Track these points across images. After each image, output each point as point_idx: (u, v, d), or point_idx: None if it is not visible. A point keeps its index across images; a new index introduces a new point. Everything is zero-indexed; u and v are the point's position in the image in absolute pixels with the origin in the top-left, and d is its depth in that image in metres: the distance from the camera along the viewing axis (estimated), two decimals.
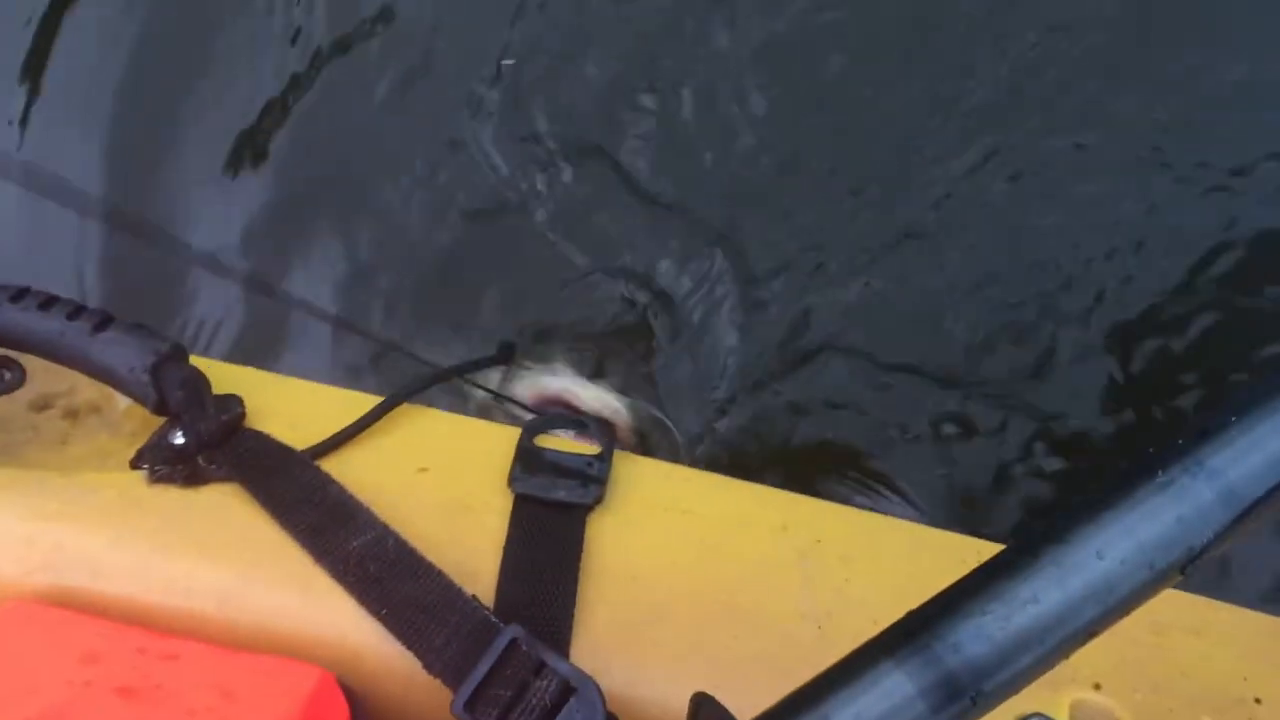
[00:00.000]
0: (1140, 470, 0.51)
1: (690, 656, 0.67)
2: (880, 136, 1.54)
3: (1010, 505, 1.35)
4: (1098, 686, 0.66)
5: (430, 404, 0.84)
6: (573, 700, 0.59)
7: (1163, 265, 1.40)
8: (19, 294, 0.78)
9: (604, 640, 0.67)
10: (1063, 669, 0.48)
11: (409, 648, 0.65)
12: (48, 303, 0.78)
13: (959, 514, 1.34)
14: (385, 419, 0.80)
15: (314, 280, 1.62)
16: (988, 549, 0.76)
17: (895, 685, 0.48)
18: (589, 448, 0.79)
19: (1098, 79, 1.47)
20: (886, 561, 0.74)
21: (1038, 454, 1.36)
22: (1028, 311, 1.43)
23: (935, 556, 0.75)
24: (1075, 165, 1.46)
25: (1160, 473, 0.51)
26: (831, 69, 1.56)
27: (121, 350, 0.76)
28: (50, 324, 0.76)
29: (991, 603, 0.49)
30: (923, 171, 1.50)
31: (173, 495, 0.71)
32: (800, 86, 1.57)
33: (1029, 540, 0.51)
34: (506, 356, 1.15)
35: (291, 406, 0.80)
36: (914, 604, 0.51)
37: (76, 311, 0.77)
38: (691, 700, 0.50)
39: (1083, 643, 0.51)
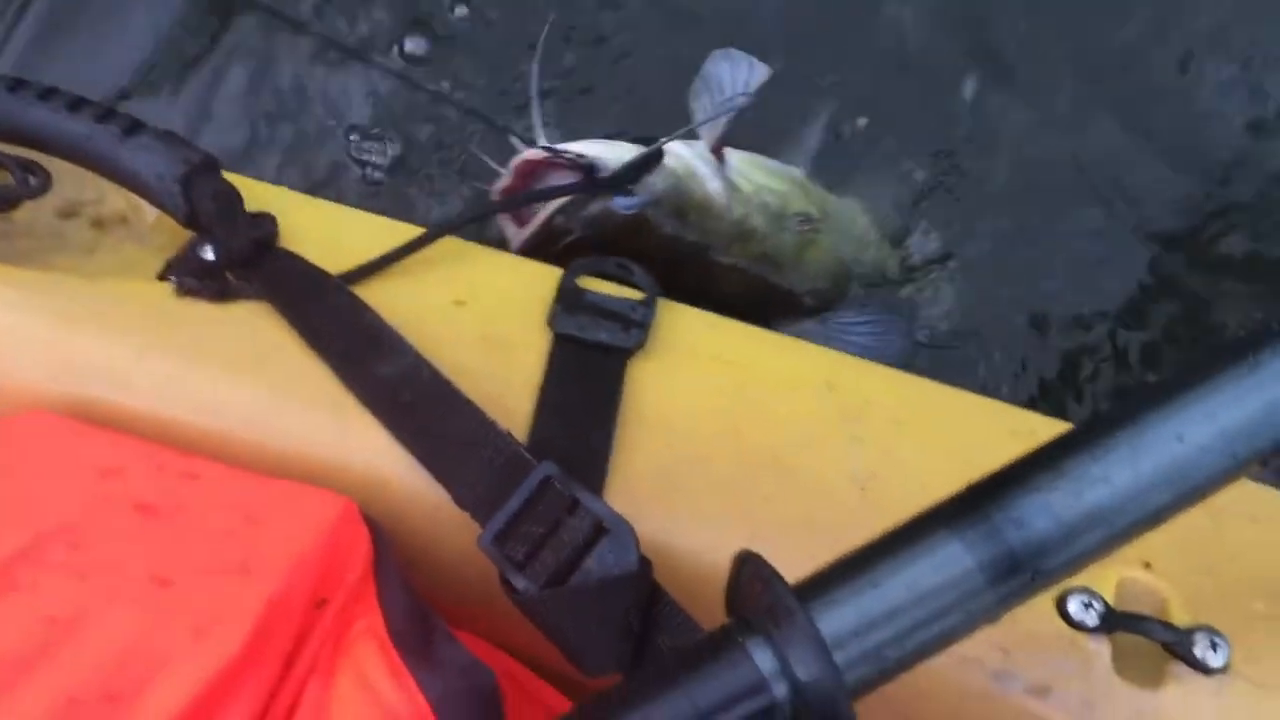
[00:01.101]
0: (1230, 353, 0.48)
1: (727, 510, 0.65)
2: None
3: (1077, 389, 1.32)
4: (1147, 565, 0.64)
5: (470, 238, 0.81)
6: (605, 541, 0.57)
7: None
8: (46, 93, 0.74)
9: (639, 486, 0.64)
10: None
11: (438, 479, 0.63)
12: (76, 104, 0.74)
13: (1020, 392, 1.31)
14: (426, 252, 0.76)
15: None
16: (1045, 425, 0.73)
17: (952, 556, 0.46)
18: (633, 292, 0.76)
19: None
20: (939, 429, 0.71)
21: (1116, 342, 1.33)
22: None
23: (990, 428, 0.72)
24: None
25: (1251, 355, 0.47)
26: None
27: (152, 157, 0.72)
28: (78, 125, 0.73)
29: (1059, 479, 0.47)
30: None
31: (201, 310, 0.69)
32: None
33: (1104, 419, 0.48)
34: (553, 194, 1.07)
35: (325, 230, 0.77)
36: (965, 474, 0.48)
37: (106, 114, 0.73)
38: (736, 557, 0.48)
39: (1150, 528, 0.48)
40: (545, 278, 0.76)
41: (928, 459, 0.69)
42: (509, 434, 0.63)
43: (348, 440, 0.65)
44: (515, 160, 1.02)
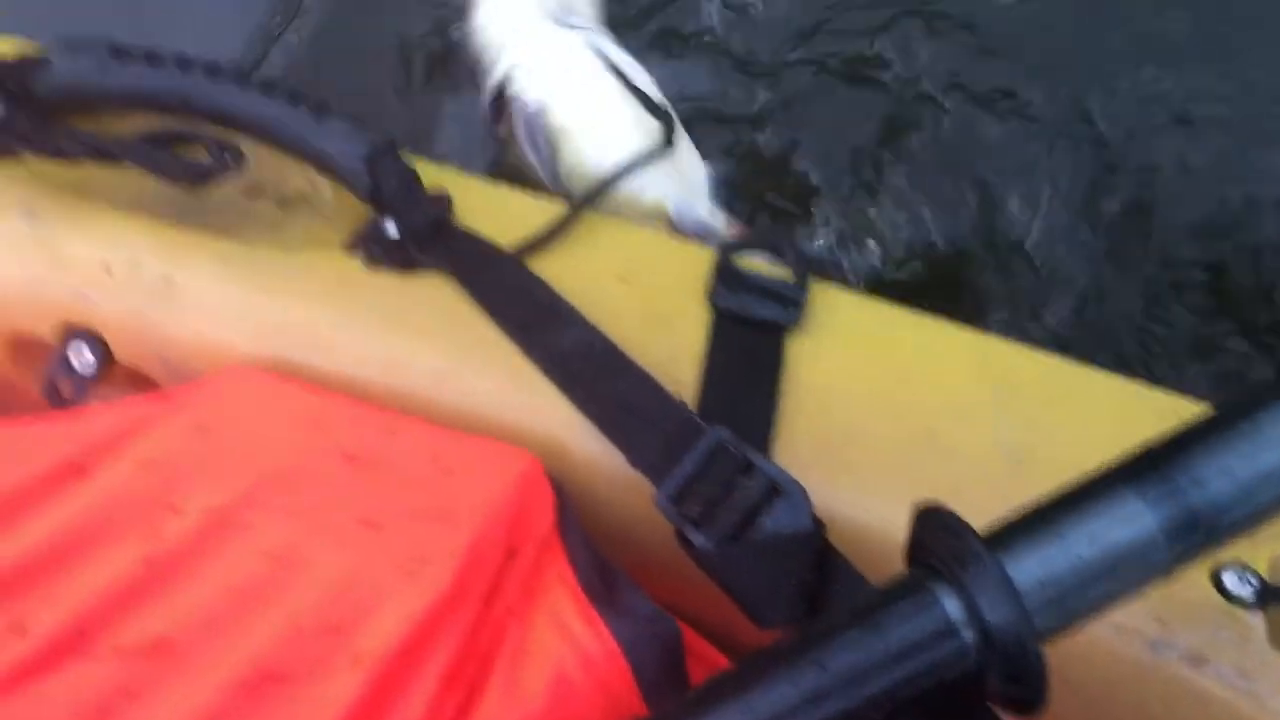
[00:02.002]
0: None
1: (886, 479, 0.68)
2: None
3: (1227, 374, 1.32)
4: None
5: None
6: (778, 501, 0.60)
7: None
8: (242, 77, 0.80)
9: (802, 455, 0.68)
10: None
11: (614, 442, 0.66)
12: (269, 87, 0.79)
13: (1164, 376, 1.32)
14: (581, 230, 0.80)
15: None
16: (1188, 406, 0.74)
17: (1134, 512, 0.48)
18: (785, 272, 0.79)
19: None
20: (1088, 409, 0.73)
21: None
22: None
23: (1136, 408, 0.73)
24: None
25: None
26: None
27: (340, 139, 0.78)
28: (274, 108, 0.78)
29: (1238, 440, 0.49)
30: None
31: (388, 280, 0.74)
32: None
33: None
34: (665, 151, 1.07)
35: (491, 209, 0.81)
36: (1114, 452, 0.50)
37: (297, 97, 0.79)
38: (918, 509, 0.51)
39: None
40: (700, 255, 0.80)
41: (1078, 437, 0.71)
42: (681, 400, 0.66)
43: (526, 404, 0.70)
44: None
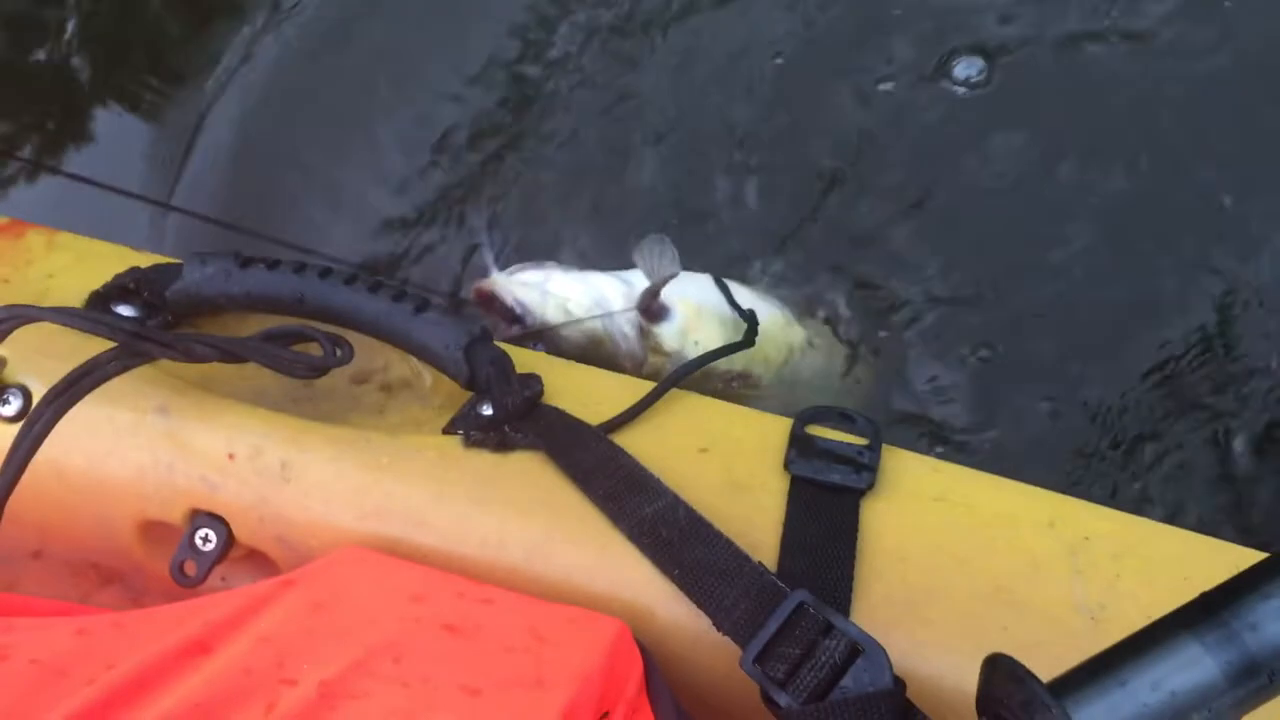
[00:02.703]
0: None
1: (964, 637, 0.70)
2: None
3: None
4: None
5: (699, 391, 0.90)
6: (860, 661, 0.63)
7: None
8: (350, 278, 0.88)
9: (880, 614, 0.70)
10: None
11: (699, 606, 0.70)
12: (375, 286, 0.88)
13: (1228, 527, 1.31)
14: (663, 404, 0.85)
15: None
16: (1249, 556, 0.75)
17: (1193, 657, 0.50)
18: (857, 439, 0.83)
19: None
20: (1157, 562, 0.75)
21: None
22: None
23: (1206, 561, 0.75)
24: None
25: None
26: None
27: (439, 330, 0.85)
28: (379, 304, 0.86)
29: None
30: None
31: (485, 459, 0.79)
32: None
33: None
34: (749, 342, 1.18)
35: (579, 388, 0.87)
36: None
37: (400, 295, 0.87)
38: (987, 660, 0.53)
39: None
40: (775, 425, 0.84)
41: (1150, 591, 0.72)
42: (761, 565, 0.70)
43: (616, 571, 0.74)
44: (474, 286, 1.22)
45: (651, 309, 1.24)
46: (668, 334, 1.24)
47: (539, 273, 1.23)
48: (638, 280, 1.25)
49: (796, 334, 1.35)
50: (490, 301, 1.24)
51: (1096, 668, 0.51)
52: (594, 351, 1.22)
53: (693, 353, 1.22)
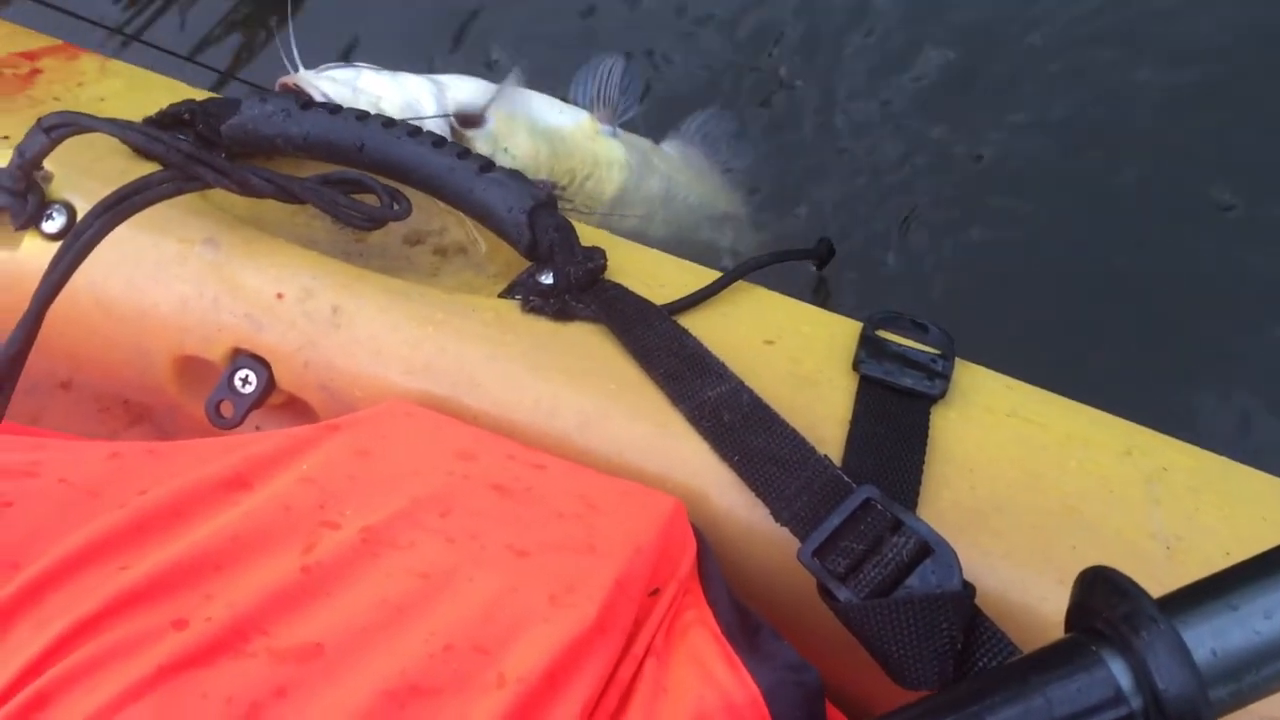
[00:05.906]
0: None
1: (1031, 552, 0.67)
2: None
3: None
4: None
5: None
6: (928, 562, 0.59)
7: None
8: (414, 131, 0.84)
9: (947, 521, 0.67)
10: None
11: (758, 495, 0.67)
12: (440, 142, 0.83)
13: None
14: (729, 295, 0.82)
15: None
16: None
17: None
18: (928, 347, 0.79)
19: None
20: (1237, 500, 0.71)
21: None
22: None
23: None
24: None
25: None
26: None
27: (503, 192, 0.81)
28: (442, 159, 0.82)
29: None
30: None
31: (543, 325, 0.76)
32: None
33: None
34: (826, 252, 1.14)
35: (642, 268, 0.83)
36: (1267, 545, 0.49)
37: (464, 153, 0.83)
38: (1084, 573, 0.50)
39: None
40: (843, 325, 0.80)
41: (1230, 527, 0.69)
42: (827, 458, 0.67)
43: (672, 452, 0.70)
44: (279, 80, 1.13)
45: (468, 116, 1.20)
46: (480, 140, 1.20)
47: (349, 70, 1.15)
48: (451, 84, 1.20)
49: (605, 146, 1.31)
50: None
51: (1206, 589, 0.47)
52: None
53: (502, 160, 1.18)
